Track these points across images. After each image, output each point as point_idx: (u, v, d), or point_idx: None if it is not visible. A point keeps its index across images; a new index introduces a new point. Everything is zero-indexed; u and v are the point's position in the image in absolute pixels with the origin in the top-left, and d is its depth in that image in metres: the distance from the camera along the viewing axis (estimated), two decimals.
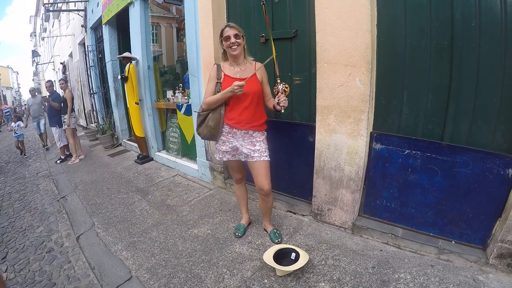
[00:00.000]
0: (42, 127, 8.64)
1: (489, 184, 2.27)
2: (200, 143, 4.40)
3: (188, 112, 4.74)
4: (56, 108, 6.55)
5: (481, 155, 2.25)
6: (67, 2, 9.59)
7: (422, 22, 2.33)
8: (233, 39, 2.40)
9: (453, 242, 2.49)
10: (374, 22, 2.47)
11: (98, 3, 7.45)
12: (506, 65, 2.07)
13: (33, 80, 43.77)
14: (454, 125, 2.34)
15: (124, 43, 6.99)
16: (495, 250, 2.21)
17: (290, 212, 3.37)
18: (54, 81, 9.96)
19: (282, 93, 2.40)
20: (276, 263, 2.32)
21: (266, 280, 2.33)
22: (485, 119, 2.23)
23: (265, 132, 2.69)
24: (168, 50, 6.54)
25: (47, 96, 6.80)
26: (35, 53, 22.86)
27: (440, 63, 2.31)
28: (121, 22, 6.65)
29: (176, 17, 6.40)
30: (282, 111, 2.42)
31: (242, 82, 2.30)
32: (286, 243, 2.73)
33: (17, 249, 3.27)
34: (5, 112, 21.71)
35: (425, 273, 2.29)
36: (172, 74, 6.32)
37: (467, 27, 2.16)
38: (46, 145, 8.91)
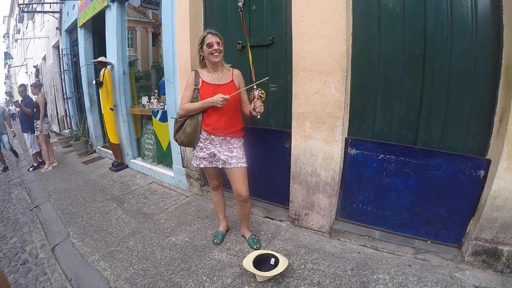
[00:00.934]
0: (7, 145, 7.09)
1: (462, 185, 2.36)
2: (176, 150, 4.35)
3: (164, 118, 4.67)
4: (29, 113, 6.30)
5: (453, 158, 2.34)
6: (42, 4, 9.33)
7: (396, 31, 2.41)
8: (216, 46, 2.40)
9: (429, 242, 2.57)
10: (350, 31, 2.53)
11: (74, 6, 7.26)
12: (476, 73, 2.18)
13: (4, 83, 42.27)
14: (426, 130, 2.42)
15: (99, 47, 6.84)
16: (470, 248, 2.30)
17: (268, 217, 3.37)
18: (27, 84, 9.58)
19: (258, 99, 2.45)
20: (256, 269, 2.32)
21: (246, 287, 2.33)
22: (456, 123, 2.32)
23: (242, 139, 2.70)
24: (144, 55, 6.45)
25: (19, 101, 6.56)
26: (7, 55, 22.09)
27: (413, 71, 2.39)
28: (96, 25, 6.51)
29: (152, 22, 6.34)
30: (258, 116, 2.45)
31: (227, 96, 2.33)
32: (265, 249, 2.74)
33: None
34: None
35: (403, 272, 2.35)
36: (148, 79, 6.19)
37: (439, 36, 2.25)
38: (6, 166, 7.19)
